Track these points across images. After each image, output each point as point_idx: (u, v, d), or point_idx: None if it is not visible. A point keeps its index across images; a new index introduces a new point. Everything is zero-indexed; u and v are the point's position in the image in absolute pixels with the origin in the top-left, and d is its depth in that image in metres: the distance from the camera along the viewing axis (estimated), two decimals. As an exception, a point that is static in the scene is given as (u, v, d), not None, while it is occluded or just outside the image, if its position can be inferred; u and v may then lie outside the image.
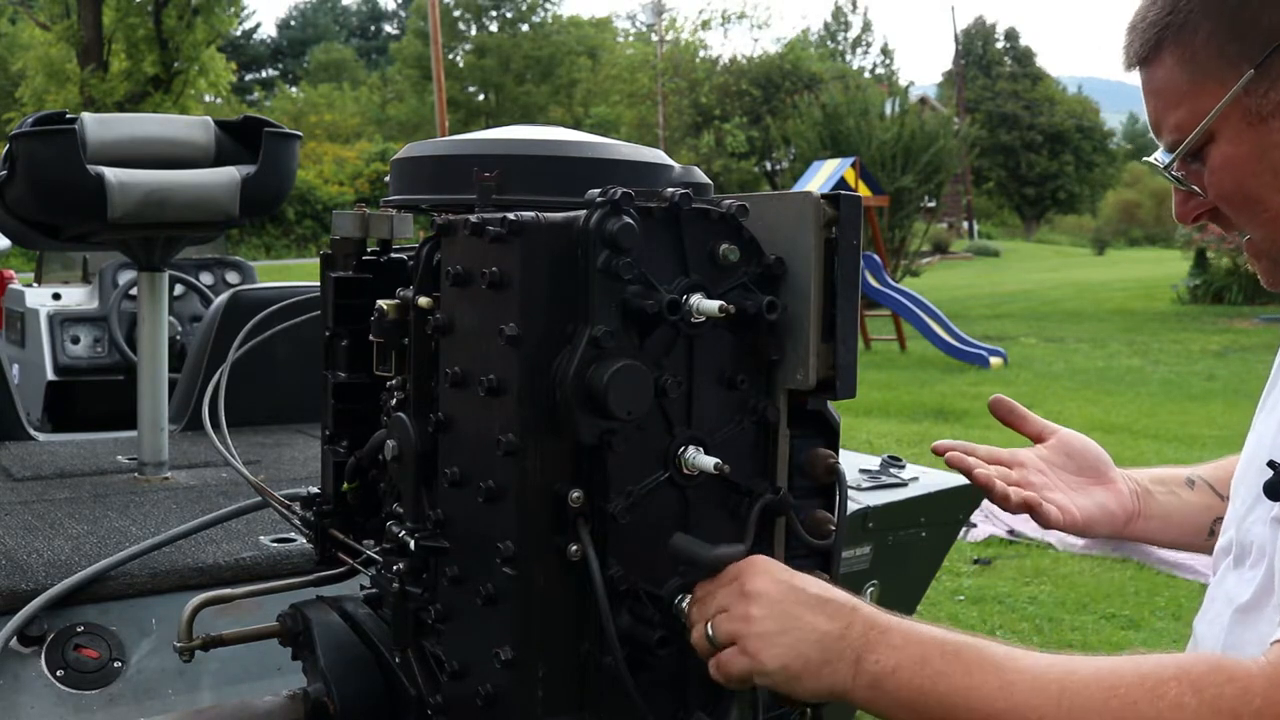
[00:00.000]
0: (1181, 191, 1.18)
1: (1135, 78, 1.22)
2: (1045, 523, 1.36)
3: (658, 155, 1.32)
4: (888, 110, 25.76)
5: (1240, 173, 1.11)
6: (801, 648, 1.03)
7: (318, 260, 1.54)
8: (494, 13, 52.63)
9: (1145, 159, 1.24)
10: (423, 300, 1.22)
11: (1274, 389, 1.28)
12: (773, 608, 1.04)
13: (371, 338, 1.33)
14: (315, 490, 1.56)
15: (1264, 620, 1.12)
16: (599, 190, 1.07)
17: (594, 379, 1.04)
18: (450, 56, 48.75)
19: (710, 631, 1.06)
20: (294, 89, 60.83)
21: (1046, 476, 1.41)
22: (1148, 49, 1.14)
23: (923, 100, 41.19)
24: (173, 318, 5.18)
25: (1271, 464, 1.13)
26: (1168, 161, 1.15)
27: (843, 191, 1.15)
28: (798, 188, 12.92)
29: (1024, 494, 1.35)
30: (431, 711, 1.22)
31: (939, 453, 1.44)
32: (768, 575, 1.06)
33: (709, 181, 1.32)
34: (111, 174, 2.39)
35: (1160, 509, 1.46)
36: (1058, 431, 1.46)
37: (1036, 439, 1.47)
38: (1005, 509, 1.34)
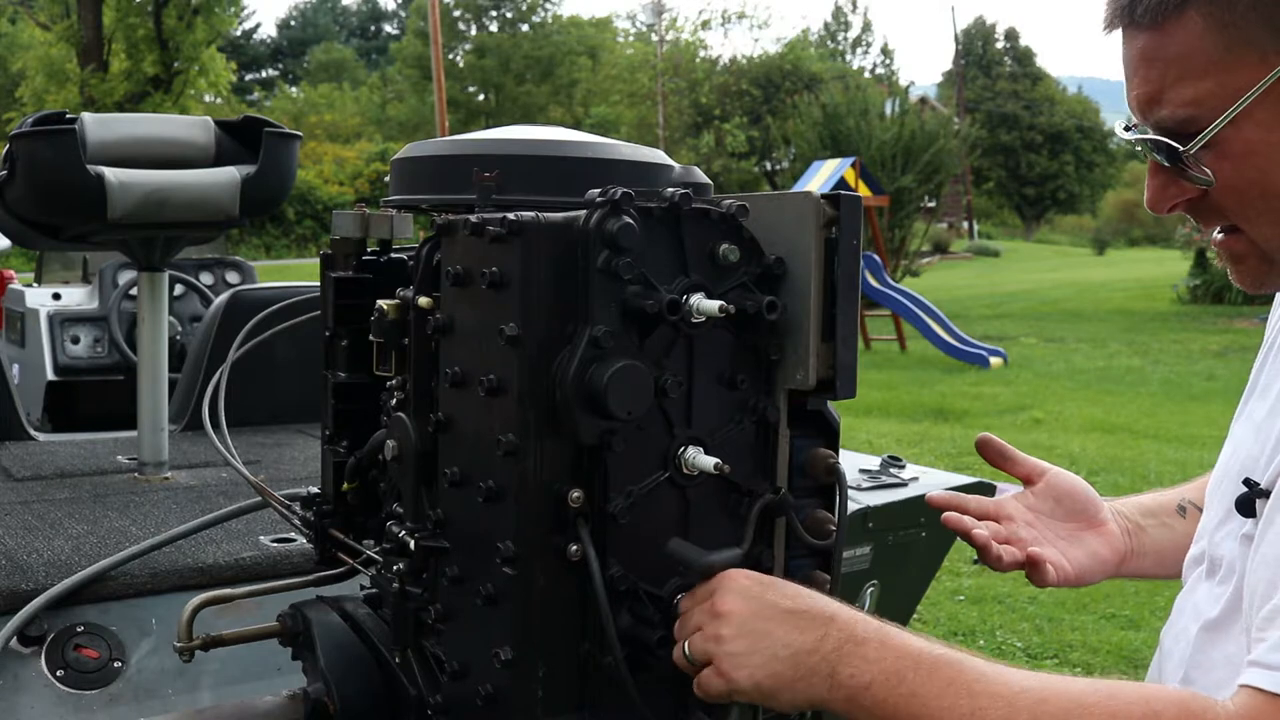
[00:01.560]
0: (1162, 176, 1.05)
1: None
2: (1040, 582, 1.33)
3: (658, 155, 1.32)
4: (888, 110, 25.76)
5: (1267, 161, 0.99)
6: (774, 665, 1.03)
7: (318, 260, 1.54)
8: (494, 13, 52.62)
9: (1123, 134, 1.10)
10: (423, 300, 1.22)
11: (1250, 396, 1.24)
12: (743, 626, 1.04)
13: (371, 338, 1.33)
14: (315, 490, 1.56)
15: (1230, 639, 1.10)
16: (599, 190, 1.07)
17: (594, 379, 1.04)
18: (450, 56, 48.74)
19: (687, 651, 1.07)
20: (294, 89, 60.83)
21: (1035, 529, 1.38)
22: (1167, 8, 0.99)
23: (923, 100, 41.21)
24: (173, 318, 5.18)
25: (1247, 481, 1.09)
26: (1189, 147, 1.00)
27: (843, 191, 1.15)
28: (798, 188, 12.92)
29: (1016, 555, 1.32)
30: (431, 711, 1.22)
31: (933, 506, 1.42)
32: (738, 593, 1.06)
33: (709, 181, 1.32)
34: (111, 174, 2.39)
35: (1154, 544, 1.42)
36: (1046, 473, 1.42)
37: (1026, 481, 1.43)
38: (997, 569, 1.32)
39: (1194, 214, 1.08)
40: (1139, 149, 1.07)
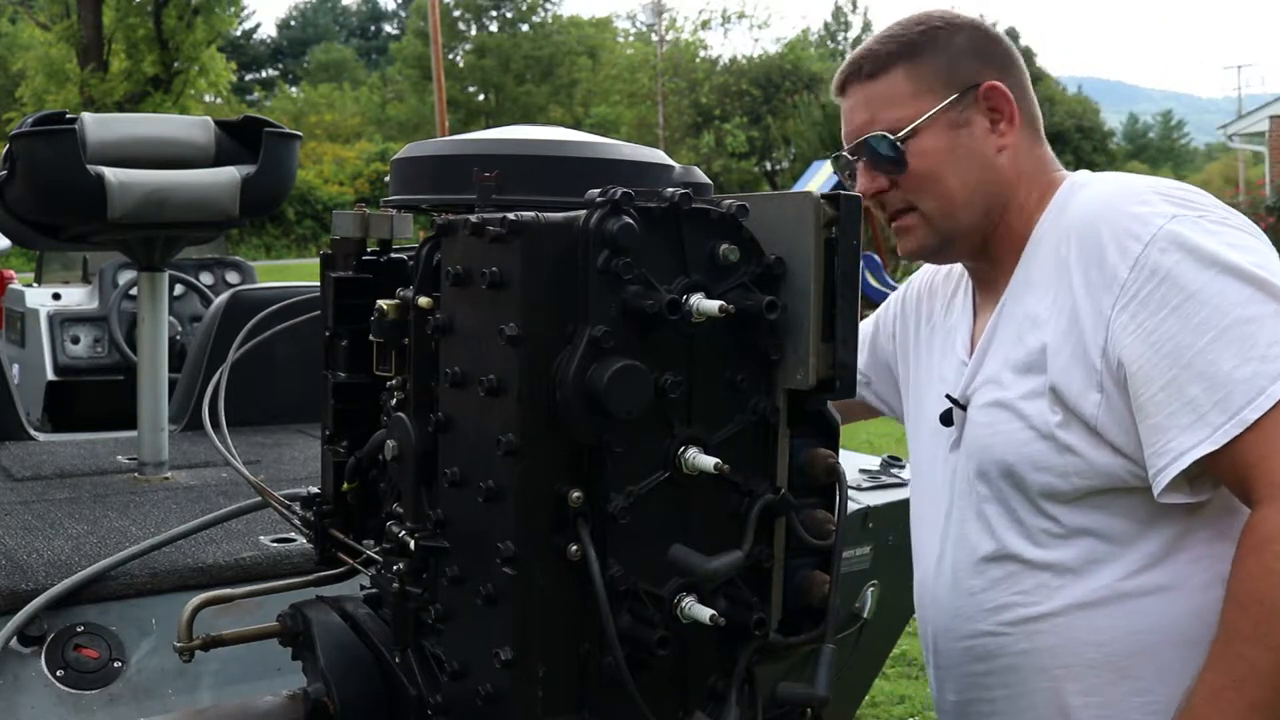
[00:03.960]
0: (869, 172, 1.59)
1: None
2: None
3: (658, 155, 1.32)
4: (888, 110, 25.69)
5: (936, 159, 1.55)
6: None
7: (318, 260, 1.54)
8: (494, 13, 52.63)
9: (840, 153, 1.64)
10: (423, 300, 1.22)
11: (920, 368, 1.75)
12: None
13: (371, 338, 1.33)
14: (315, 490, 1.56)
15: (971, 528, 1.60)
16: (599, 190, 1.07)
17: (594, 379, 1.04)
18: (450, 56, 48.74)
19: None
20: (294, 89, 60.84)
21: None
22: (882, 67, 1.58)
23: (923, 100, 41.13)
24: (173, 318, 5.18)
25: (948, 396, 1.61)
26: (900, 135, 1.55)
27: (843, 191, 1.15)
28: (798, 188, 12.91)
29: None
30: (431, 711, 1.22)
31: None
32: None
33: (709, 181, 1.32)
34: (111, 174, 2.39)
35: None
36: None
37: None
38: None
39: (883, 200, 1.60)
40: (855, 159, 1.61)
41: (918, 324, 1.80)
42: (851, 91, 1.63)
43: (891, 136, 1.56)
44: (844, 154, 1.64)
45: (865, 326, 1.90)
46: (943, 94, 1.57)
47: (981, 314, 1.66)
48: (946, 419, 1.62)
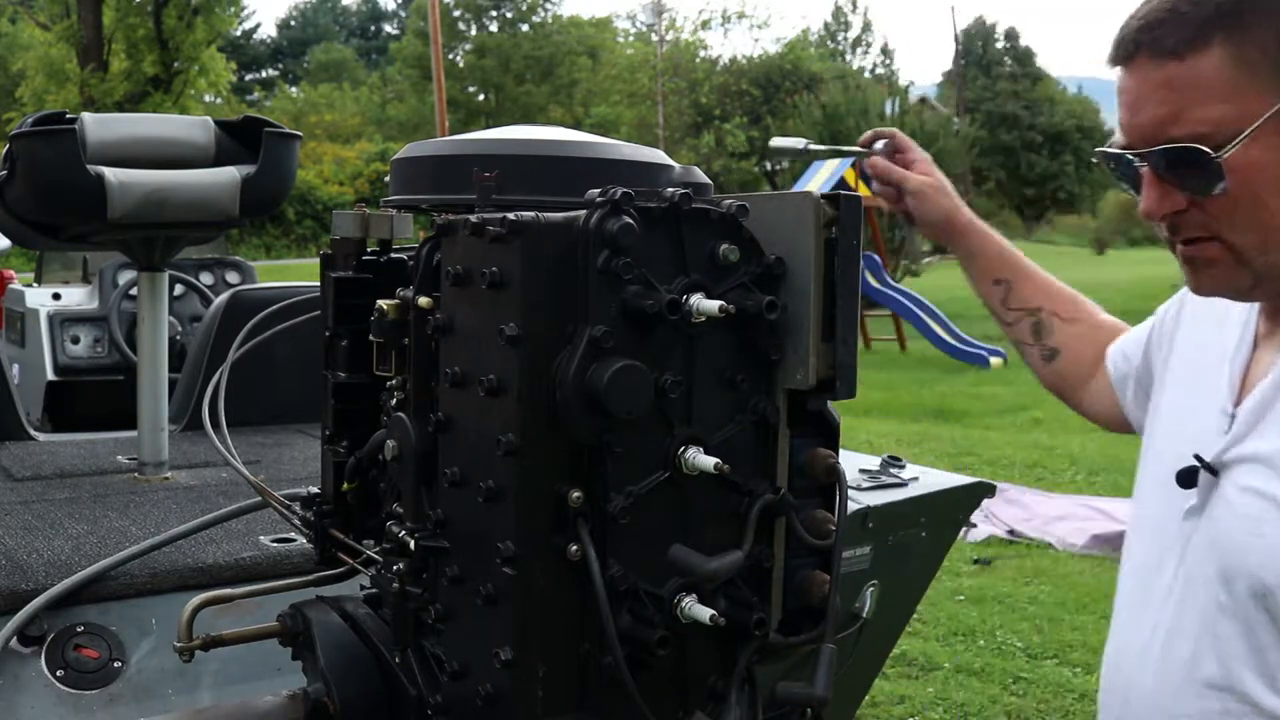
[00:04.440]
0: (1161, 187, 1.19)
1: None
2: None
3: (658, 155, 1.32)
4: (888, 110, 25.76)
5: (1261, 177, 1.15)
6: None
7: (318, 260, 1.54)
8: (494, 13, 52.60)
9: (1119, 149, 1.22)
10: (423, 300, 1.22)
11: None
12: None
13: (371, 338, 1.33)
14: (315, 490, 1.56)
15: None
16: (599, 190, 1.07)
17: (594, 379, 1.04)
18: (450, 56, 48.72)
19: None
20: (294, 89, 60.81)
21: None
22: (1194, 41, 1.14)
23: (923, 100, 41.20)
24: (173, 318, 5.18)
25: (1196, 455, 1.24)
26: (1222, 153, 1.14)
27: (843, 191, 1.15)
28: (798, 188, 12.91)
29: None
30: (431, 711, 1.22)
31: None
32: None
33: (709, 181, 1.32)
34: (111, 174, 2.39)
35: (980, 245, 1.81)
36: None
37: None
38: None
39: (1177, 223, 1.21)
40: (1138, 165, 1.20)
41: (1186, 334, 1.43)
42: (1141, 66, 1.18)
43: (1211, 152, 1.14)
44: (1126, 154, 1.21)
45: (1144, 325, 1.56)
46: (1274, 85, 1.13)
47: (1263, 349, 1.28)
48: (1187, 479, 1.26)
